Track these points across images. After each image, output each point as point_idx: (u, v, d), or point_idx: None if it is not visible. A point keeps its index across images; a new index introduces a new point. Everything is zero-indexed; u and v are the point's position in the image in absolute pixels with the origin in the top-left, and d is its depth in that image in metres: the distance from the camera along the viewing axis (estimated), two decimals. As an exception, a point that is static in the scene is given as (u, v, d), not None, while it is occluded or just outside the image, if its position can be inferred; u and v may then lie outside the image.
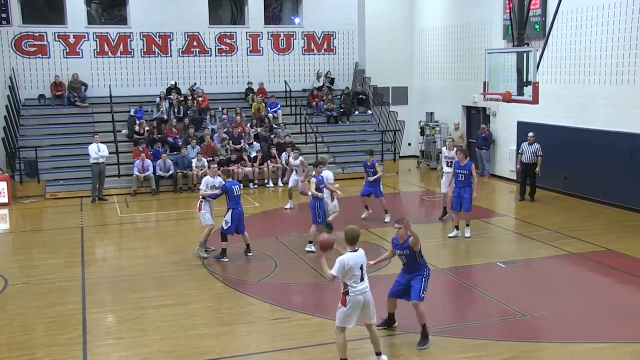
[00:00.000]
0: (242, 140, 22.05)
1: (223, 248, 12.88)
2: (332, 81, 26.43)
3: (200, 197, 13.20)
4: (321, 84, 25.96)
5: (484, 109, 22.26)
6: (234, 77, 25.56)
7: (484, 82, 15.90)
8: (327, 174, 14.32)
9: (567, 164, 18.34)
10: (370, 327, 8.14)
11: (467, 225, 14.10)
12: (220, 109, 23.82)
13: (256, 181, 21.09)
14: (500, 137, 21.74)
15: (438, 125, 24.59)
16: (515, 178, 20.06)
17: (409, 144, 26.49)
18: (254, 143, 22.25)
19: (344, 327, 7.95)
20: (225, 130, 22.30)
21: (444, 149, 16.53)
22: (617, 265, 12.14)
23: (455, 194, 14.06)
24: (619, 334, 9.25)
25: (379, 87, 26.14)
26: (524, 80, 14.88)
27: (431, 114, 24.96)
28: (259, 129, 22.80)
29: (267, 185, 21.18)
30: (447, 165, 15.74)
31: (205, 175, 13.81)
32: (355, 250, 7.98)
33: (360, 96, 25.75)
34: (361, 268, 7.88)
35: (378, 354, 8.18)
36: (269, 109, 24.27)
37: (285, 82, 25.45)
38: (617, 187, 16.69)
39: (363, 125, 25.33)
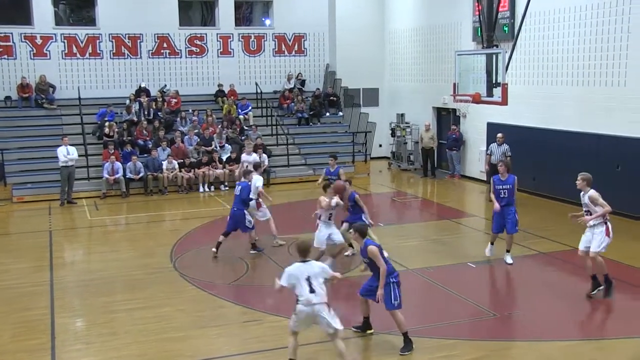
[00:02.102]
0: (213, 142, 21.94)
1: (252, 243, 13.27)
2: (303, 83, 26.42)
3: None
4: (292, 86, 25.94)
5: (454, 110, 22.43)
6: (205, 79, 25.42)
7: (454, 84, 15.99)
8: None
9: (535, 165, 18.54)
10: (333, 338, 8.00)
11: (508, 251, 12.49)
12: (190, 110, 23.66)
13: (227, 183, 21.00)
14: (471, 138, 21.93)
15: (409, 126, 24.70)
16: (485, 179, 20.22)
17: (380, 146, 26.57)
18: (226, 145, 22.14)
19: (294, 332, 8.10)
20: (195, 132, 22.17)
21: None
22: (584, 263, 12.28)
23: (497, 216, 12.30)
24: (588, 331, 9.39)
25: (350, 88, 26.20)
26: (494, 81, 14.99)
27: (402, 115, 25.07)
28: (229, 131, 22.70)
29: (239, 187, 21.07)
30: None
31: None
32: (305, 262, 7.94)
33: (331, 98, 25.77)
34: (308, 279, 7.83)
35: None
36: (239, 110, 24.18)
37: (256, 84, 25.39)
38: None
39: (334, 126, 25.36)
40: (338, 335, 7.98)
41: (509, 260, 12.37)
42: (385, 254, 9.00)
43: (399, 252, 12.37)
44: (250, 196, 13.38)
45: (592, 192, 10.26)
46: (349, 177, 22.05)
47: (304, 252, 8.01)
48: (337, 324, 7.92)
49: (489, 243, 12.77)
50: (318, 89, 26.02)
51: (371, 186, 21.55)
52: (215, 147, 21.91)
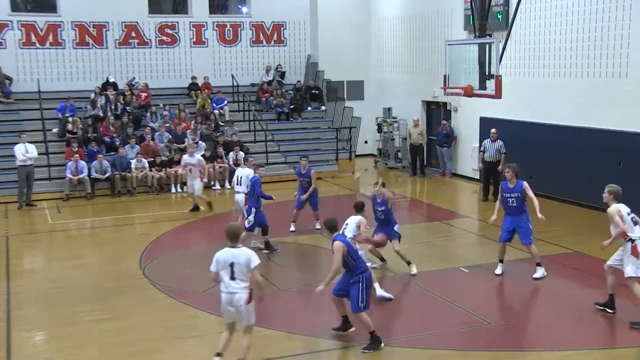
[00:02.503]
0: (185, 139, 21.82)
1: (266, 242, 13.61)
2: (282, 75, 26.36)
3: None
4: (271, 78, 25.87)
5: (445, 104, 22.46)
6: (176, 71, 25.29)
7: (445, 76, 15.97)
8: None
9: (532, 162, 18.56)
10: (244, 332, 8.39)
11: (538, 264, 11.91)
12: (161, 105, 23.54)
13: (201, 183, 20.88)
14: (462, 134, 21.99)
15: (396, 121, 24.74)
16: (478, 177, 20.30)
17: (366, 142, 26.61)
18: (199, 142, 22.03)
19: (227, 324, 8.44)
20: (167, 128, 22.04)
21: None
22: (584, 267, 12.36)
23: (506, 225, 11.94)
24: (587, 340, 9.41)
25: (333, 81, 26.18)
26: (487, 73, 14.99)
27: (389, 109, 25.10)
28: (203, 127, 22.60)
29: (214, 188, 20.99)
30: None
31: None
32: (234, 247, 8.27)
33: (313, 91, 25.74)
34: (232, 266, 8.13)
35: None
36: (214, 105, 24.09)
37: (232, 76, 25.29)
38: (584, 186, 17.01)
39: (316, 122, 25.33)
40: (250, 330, 8.40)
41: (537, 274, 11.83)
42: (361, 252, 9.14)
43: (385, 256, 12.35)
44: (240, 189, 14.33)
45: (611, 209, 9.73)
46: (331, 175, 22.30)
47: (234, 237, 8.28)
48: (251, 319, 8.34)
49: (498, 261, 12.18)
50: (299, 81, 25.98)
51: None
52: (189, 144, 21.78)
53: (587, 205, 16.79)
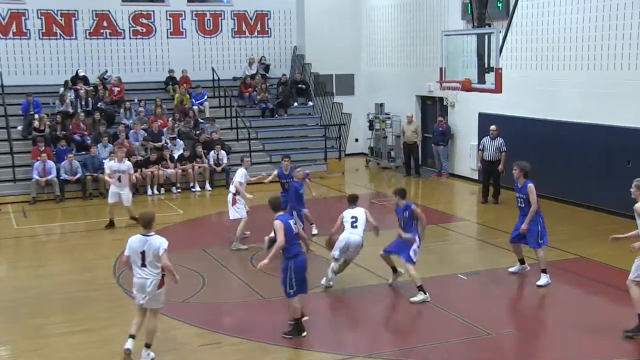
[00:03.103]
0: (162, 138, 21.80)
1: None
2: (266, 68, 26.37)
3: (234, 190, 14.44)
4: (254, 72, 25.88)
5: (441, 99, 22.56)
6: (152, 64, 25.28)
7: (441, 69, 16.01)
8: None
9: (535, 161, 18.35)
10: (150, 315, 9.15)
11: (544, 271, 11.90)
12: (136, 100, 23.50)
13: (179, 185, 20.86)
14: (460, 131, 22.07)
15: (389, 118, 24.80)
16: (477, 177, 20.39)
17: (356, 140, 26.66)
18: (177, 141, 22.02)
19: (138, 306, 9.16)
20: (142, 125, 22.02)
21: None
22: (591, 274, 12.44)
23: (517, 224, 12.06)
24: (592, 351, 9.46)
25: (321, 74, 26.22)
26: (486, 66, 15.05)
27: (381, 105, 25.15)
28: (182, 124, 22.58)
29: (193, 190, 20.98)
30: None
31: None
32: (146, 235, 8.95)
33: (300, 85, 25.78)
34: (143, 253, 8.87)
35: (147, 345, 9.07)
36: (193, 100, 24.07)
37: (213, 70, 25.28)
38: (590, 187, 17.11)
39: (303, 118, 25.37)
40: (155, 315, 9.17)
41: (541, 281, 11.81)
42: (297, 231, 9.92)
43: (378, 261, 12.40)
44: (230, 189, 14.63)
45: (638, 205, 9.44)
46: (319, 175, 22.30)
47: (147, 224, 8.98)
48: (159, 303, 9.12)
49: (518, 260, 12.39)
50: (284, 75, 26.01)
51: (346, 187, 21.55)
52: (166, 143, 21.77)
53: (594, 207, 16.89)
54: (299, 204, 14.60)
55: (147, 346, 9.07)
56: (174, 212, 18.05)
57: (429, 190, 21.07)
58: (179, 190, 20.73)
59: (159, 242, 8.89)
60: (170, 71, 24.95)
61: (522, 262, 12.45)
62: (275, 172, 15.39)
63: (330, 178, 22.56)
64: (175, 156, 21.41)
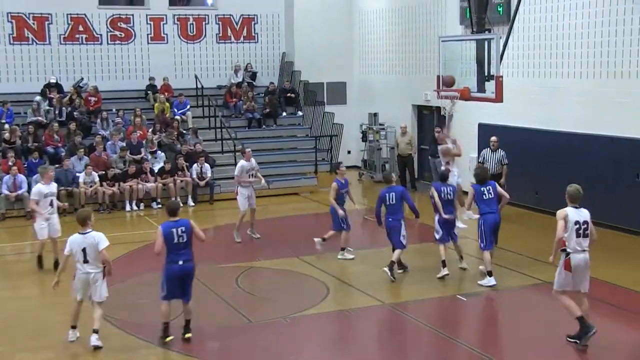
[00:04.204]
0: (142, 150, 21.67)
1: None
2: (253, 76, 26.34)
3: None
4: (240, 80, 25.83)
5: (439, 108, 22.49)
6: (132, 71, 25.21)
7: (438, 77, 16.08)
8: None
9: (539, 175, 18.67)
10: (95, 307, 10.48)
11: (488, 273, 13.09)
12: (114, 110, 23.40)
13: (159, 200, 20.72)
14: (459, 143, 21.97)
15: (383, 128, 24.80)
16: (477, 192, 20.32)
17: (349, 152, 26.65)
18: (158, 153, 21.89)
19: (76, 299, 10.56)
20: (120, 136, 21.90)
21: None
22: (601, 296, 12.32)
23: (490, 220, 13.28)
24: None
25: (312, 82, 26.25)
26: (486, 73, 15.10)
27: (375, 115, 25.16)
28: (163, 136, 22.45)
29: (174, 205, 20.82)
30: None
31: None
32: (83, 233, 10.33)
33: (289, 94, 25.75)
34: (84, 250, 10.25)
35: (95, 331, 10.36)
36: (175, 110, 24.00)
37: (196, 77, 25.20)
38: (599, 203, 16.99)
39: (292, 129, 25.34)
40: (101, 304, 10.48)
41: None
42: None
43: (372, 282, 12.30)
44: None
45: None
46: (309, 190, 22.22)
47: (82, 222, 10.37)
48: (102, 295, 10.46)
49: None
50: (272, 83, 25.96)
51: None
52: (146, 155, 21.63)
53: (599, 223, 16.82)
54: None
55: (96, 332, 10.35)
56: (154, 230, 17.84)
57: (425, 205, 20.76)
58: (160, 205, 20.56)
59: (98, 239, 10.28)
60: (151, 79, 24.87)
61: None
62: (335, 184, 15.11)
63: (321, 193, 22.45)
64: (156, 169, 21.29)
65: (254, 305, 12.15)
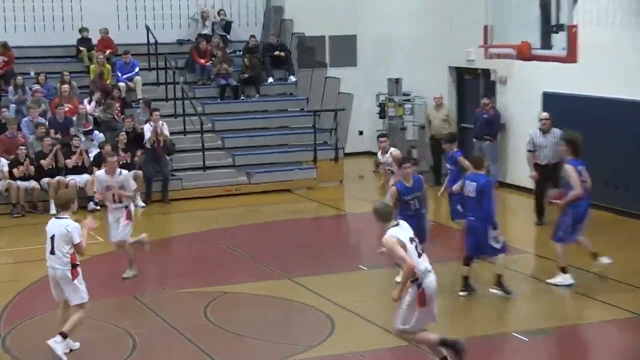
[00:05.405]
0: (72, 129, 21.57)
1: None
2: (227, 26, 26.39)
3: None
4: (209, 32, 25.82)
5: (487, 72, 22.49)
6: (56, 20, 25.27)
7: (486, 27, 16.03)
8: None
9: (630, 165, 18.58)
10: (72, 311, 11.33)
11: (562, 270, 14.15)
12: (32, 74, 23.44)
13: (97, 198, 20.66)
14: (515, 120, 21.93)
15: (409, 100, 24.82)
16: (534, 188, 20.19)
17: (361, 133, 26.74)
18: (95, 133, 21.79)
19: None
20: (41, 109, 21.85)
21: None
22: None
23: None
24: None
25: (308, 36, 26.31)
26: (553, 23, 15.02)
27: (397, 81, 25.13)
28: (100, 109, 22.35)
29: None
30: None
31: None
32: (59, 218, 11.30)
33: (277, 52, 25.72)
34: (52, 238, 11.12)
35: (62, 334, 11.14)
36: (119, 74, 23.99)
37: (148, 29, 25.09)
38: None
39: (282, 101, 25.43)
40: (81, 308, 11.29)
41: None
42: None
43: (392, 312, 12.27)
44: None
45: None
46: (306, 185, 22.18)
47: (62, 205, 11.39)
48: (76, 299, 11.21)
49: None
50: (253, 37, 25.93)
51: (346, 202, 21.50)
52: (77, 136, 21.51)
53: None
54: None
55: (63, 335, 11.11)
56: (90, 241, 17.76)
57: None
58: (98, 207, 20.45)
59: (68, 228, 11.05)
60: (83, 30, 24.82)
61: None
62: (394, 189, 14.55)
63: (322, 189, 22.38)
64: (91, 156, 21.22)
65: (228, 346, 12.12)
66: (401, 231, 10.40)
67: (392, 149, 16.53)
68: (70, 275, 11.13)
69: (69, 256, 11.08)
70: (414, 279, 10.17)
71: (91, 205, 20.52)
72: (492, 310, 13.59)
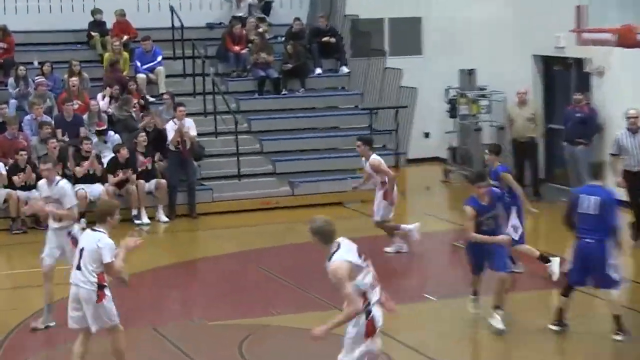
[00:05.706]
0: (83, 129, 21.64)
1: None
2: (266, 7, 26.53)
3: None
4: (245, 14, 25.91)
5: (579, 61, 22.35)
6: (65, 0, 25.49)
7: (578, 8, 15.93)
8: None
9: None
10: (109, 335, 11.56)
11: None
12: (36, 63, 23.68)
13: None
14: (615, 120, 21.72)
15: (485, 96, 24.84)
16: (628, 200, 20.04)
17: (427, 135, 26.81)
18: (109, 134, 21.86)
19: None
20: (46, 105, 21.94)
21: None
22: None
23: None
24: None
25: (363, 19, 26.47)
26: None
27: (470, 73, 25.15)
28: (116, 105, 22.41)
29: (136, 222, 20.78)
30: None
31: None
32: (95, 230, 11.45)
33: (327, 38, 25.76)
34: (81, 251, 11.31)
35: None
36: (138, 63, 24.10)
37: (172, 10, 25.23)
38: None
39: (332, 96, 25.56)
40: (116, 331, 11.51)
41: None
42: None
43: (463, 352, 12.15)
44: None
45: None
46: (361, 198, 22.15)
47: (100, 217, 11.55)
48: (100, 323, 11.31)
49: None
50: (298, 19, 26.01)
51: (409, 216, 21.37)
52: (89, 138, 21.57)
53: None
54: None
55: None
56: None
57: (558, 226, 20.58)
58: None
59: (100, 243, 11.19)
60: (96, 12, 25.00)
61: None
62: (469, 208, 14.56)
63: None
64: (105, 161, 21.27)
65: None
66: (349, 251, 9.90)
67: (372, 156, 16.92)
68: (95, 297, 11.20)
69: (96, 276, 11.20)
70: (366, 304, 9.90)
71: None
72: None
